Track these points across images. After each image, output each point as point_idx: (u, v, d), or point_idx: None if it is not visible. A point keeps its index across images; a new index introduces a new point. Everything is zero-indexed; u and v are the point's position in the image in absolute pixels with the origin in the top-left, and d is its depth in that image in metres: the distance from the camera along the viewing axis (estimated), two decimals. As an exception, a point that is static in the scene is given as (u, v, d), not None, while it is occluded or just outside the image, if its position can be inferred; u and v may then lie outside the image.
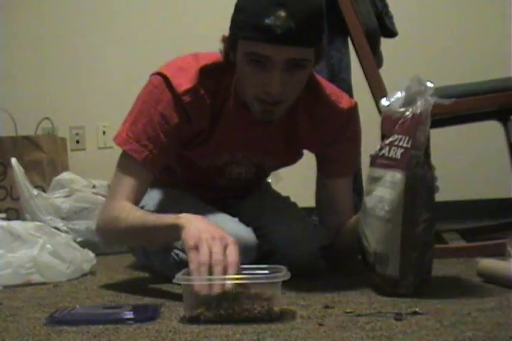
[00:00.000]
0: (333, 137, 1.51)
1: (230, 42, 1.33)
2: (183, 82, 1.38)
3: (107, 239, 1.45)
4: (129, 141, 1.40)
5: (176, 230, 1.17)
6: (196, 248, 1.10)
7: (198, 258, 1.08)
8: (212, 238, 1.11)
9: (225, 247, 1.10)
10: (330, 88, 1.50)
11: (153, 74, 1.42)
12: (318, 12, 1.29)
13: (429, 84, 1.19)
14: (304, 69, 1.31)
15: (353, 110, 1.51)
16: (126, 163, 1.41)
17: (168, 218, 1.23)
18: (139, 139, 1.39)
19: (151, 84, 1.41)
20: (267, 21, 1.23)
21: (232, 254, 1.09)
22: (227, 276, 1.05)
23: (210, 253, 1.08)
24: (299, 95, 1.39)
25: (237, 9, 1.31)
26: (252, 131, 1.45)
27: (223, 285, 1.04)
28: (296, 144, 1.54)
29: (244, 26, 1.27)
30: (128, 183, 1.38)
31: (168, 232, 1.22)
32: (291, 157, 1.60)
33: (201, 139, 1.46)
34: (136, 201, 1.38)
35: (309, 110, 1.48)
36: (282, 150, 1.53)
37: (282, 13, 1.23)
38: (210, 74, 1.40)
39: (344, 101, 1.50)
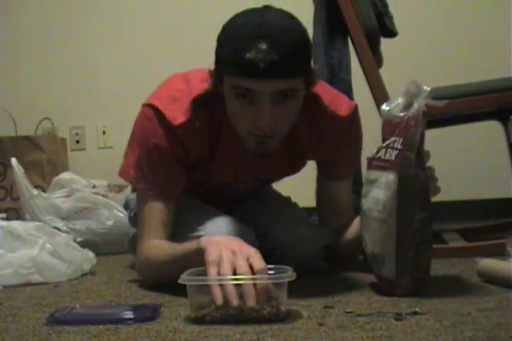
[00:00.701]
0: (335, 144, 1.49)
1: (216, 77, 1.31)
2: (178, 116, 1.37)
3: (146, 278, 1.44)
4: (138, 179, 1.42)
5: (201, 255, 1.14)
6: (217, 263, 1.08)
7: (220, 271, 1.06)
8: (233, 253, 1.09)
9: (248, 259, 1.08)
10: (328, 96, 1.46)
11: (144, 106, 1.41)
12: (302, 40, 1.26)
13: (425, 88, 1.19)
14: (293, 99, 1.28)
15: (353, 115, 1.49)
16: (144, 199, 1.42)
17: (192, 245, 1.21)
18: (146, 177, 1.41)
19: (145, 117, 1.40)
20: (249, 55, 1.20)
21: (257, 263, 1.07)
22: (237, 276, 1.04)
23: (234, 268, 1.06)
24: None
25: (219, 44, 1.28)
26: (252, 154, 1.41)
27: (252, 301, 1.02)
28: (300, 157, 1.53)
29: (227, 61, 1.25)
30: (152, 219, 1.39)
31: (195, 258, 1.18)
32: (295, 168, 1.58)
33: (201, 166, 1.45)
34: (167, 232, 1.39)
35: (309, 122, 1.45)
36: (286, 165, 1.53)
37: (263, 46, 1.20)
38: (204, 103, 1.38)
39: (343, 109, 1.47)
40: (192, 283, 1.07)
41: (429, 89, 1.19)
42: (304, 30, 1.29)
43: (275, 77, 1.22)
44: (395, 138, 1.22)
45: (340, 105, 1.47)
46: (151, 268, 1.39)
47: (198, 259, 1.14)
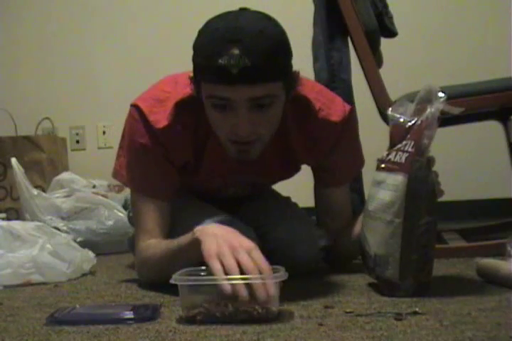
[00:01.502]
0: (328, 149, 1.47)
1: (195, 83, 1.29)
2: (160, 119, 1.36)
3: (147, 279, 1.44)
4: (130, 180, 1.43)
5: (197, 246, 1.14)
6: (218, 258, 1.07)
7: (226, 267, 1.05)
8: (233, 247, 1.08)
9: (249, 254, 1.07)
10: (321, 100, 1.44)
11: (132, 105, 1.41)
12: (278, 43, 1.22)
13: (441, 94, 1.19)
14: (272, 105, 1.25)
15: (347, 119, 1.45)
16: (138, 199, 1.43)
17: (187, 237, 1.21)
18: (137, 177, 1.42)
19: (132, 117, 1.41)
20: (221, 61, 1.17)
21: (261, 261, 1.06)
22: (229, 276, 1.04)
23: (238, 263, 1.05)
24: (286, 115, 1.36)
25: (195, 51, 1.26)
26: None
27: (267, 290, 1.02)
28: (293, 161, 1.51)
29: (201, 68, 1.24)
30: (146, 220, 1.40)
31: (191, 251, 1.18)
32: (288, 172, 1.57)
33: (188, 170, 1.45)
34: (163, 231, 1.39)
35: (300, 126, 1.44)
36: (277, 169, 1.51)
37: (235, 51, 1.16)
38: (188, 108, 1.36)
39: (336, 113, 1.44)
40: (184, 283, 1.06)
41: (445, 95, 1.18)
42: (281, 33, 1.25)
43: (249, 83, 1.19)
44: (407, 141, 1.22)
45: (332, 110, 1.44)
46: (150, 268, 1.38)
47: (193, 250, 1.14)
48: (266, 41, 1.19)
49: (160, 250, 1.32)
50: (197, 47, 1.25)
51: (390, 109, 1.28)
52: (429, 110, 1.19)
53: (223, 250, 1.08)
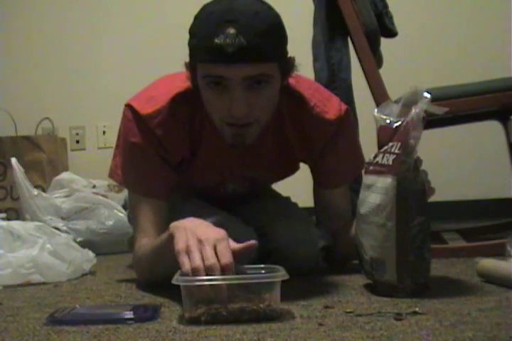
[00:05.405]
0: (323, 148, 1.47)
1: (191, 68, 1.30)
2: (154, 115, 1.37)
3: (143, 278, 1.44)
4: (126, 180, 1.44)
5: (172, 241, 1.14)
6: (186, 252, 1.07)
7: (191, 264, 1.05)
8: (199, 241, 1.08)
9: (215, 247, 1.07)
10: (316, 98, 1.44)
11: (125, 105, 1.41)
12: (273, 25, 1.24)
13: (426, 94, 1.19)
14: (268, 85, 1.26)
15: (343, 119, 1.46)
16: (135, 198, 1.43)
17: (165, 234, 1.21)
18: (133, 177, 1.42)
19: (125, 117, 1.41)
20: (217, 41, 1.19)
21: (224, 254, 1.06)
22: (228, 277, 1.04)
23: (202, 257, 1.05)
24: (281, 109, 1.36)
25: (191, 34, 1.27)
26: (236, 150, 1.41)
27: (221, 286, 1.02)
28: (289, 156, 1.51)
29: (197, 49, 1.25)
30: (142, 219, 1.40)
31: (170, 247, 1.17)
32: (287, 168, 1.57)
33: (185, 165, 1.45)
34: (158, 230, 1.37)
35: (295, 122, 1.44)
36: (274, 164, 1.51)
37: (232, 30, 1.18)
38: (184, 101, 1.37)
39: (332, 111, 1.44)
40: (184, 283, 1.05)
41: (429, 96, 1.19)
42: (275, 15, 1.26)
43: (245, 61, 1.21)
44: (393, 142, 1.22)
45: (327, 108, 1.44)
46: (143, 268, 1.39)
47: (171, 246, 1.14)
48: (261, 22, 1.21)
49: (148, 249, 1.32)
50: (194, 29, 1.27)
51: (376, 110, 1.29)
52: (413, 111, 1.19)
53: (190, 244, 1.08)
